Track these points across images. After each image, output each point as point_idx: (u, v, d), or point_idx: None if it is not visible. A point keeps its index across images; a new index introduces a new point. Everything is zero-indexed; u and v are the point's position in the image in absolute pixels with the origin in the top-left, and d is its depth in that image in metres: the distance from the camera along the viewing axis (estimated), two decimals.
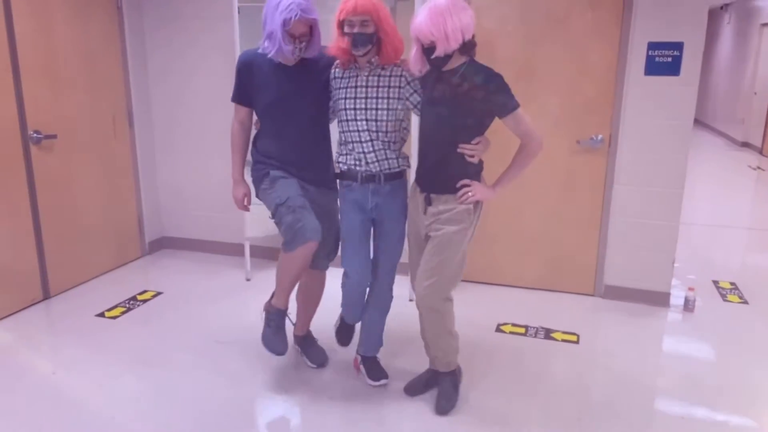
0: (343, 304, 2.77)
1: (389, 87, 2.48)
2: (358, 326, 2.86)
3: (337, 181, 2.69)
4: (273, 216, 2.55)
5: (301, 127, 2.58)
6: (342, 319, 2.88)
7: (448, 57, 2.29)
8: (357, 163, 2.56)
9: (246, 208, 2.79)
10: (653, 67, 3.41)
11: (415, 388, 2.72)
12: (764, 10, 9.99)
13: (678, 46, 3.35)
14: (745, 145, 10.61)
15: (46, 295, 3.70)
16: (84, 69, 3.86)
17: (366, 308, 2.74)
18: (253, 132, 2.76)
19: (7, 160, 3.38)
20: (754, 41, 10.40)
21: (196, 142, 4.40)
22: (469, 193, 2.38)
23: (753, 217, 6.36)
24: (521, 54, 3.61)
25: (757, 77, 10.27)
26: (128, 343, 3.17)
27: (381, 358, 2.82)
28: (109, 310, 3.57)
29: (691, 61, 3.35)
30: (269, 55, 2.47)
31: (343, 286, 2.69)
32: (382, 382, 2.77)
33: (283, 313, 2.67)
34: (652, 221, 3.61)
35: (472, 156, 2.39)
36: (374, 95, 2.48)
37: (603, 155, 3.64)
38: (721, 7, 12.32)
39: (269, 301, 2.72)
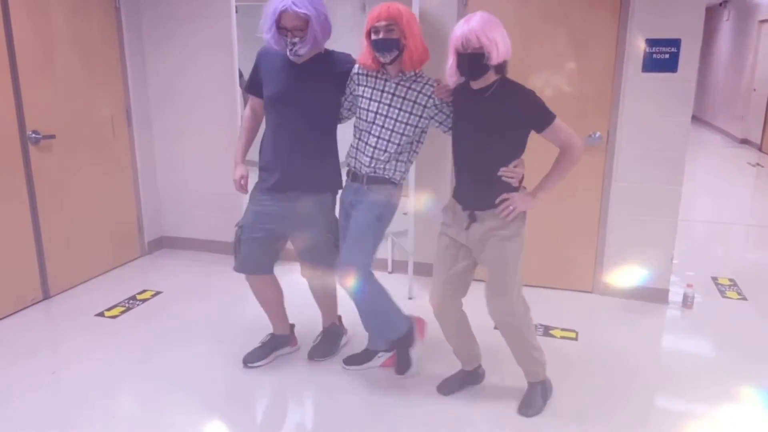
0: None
1: (414, 102, 2.46)
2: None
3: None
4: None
5: (296, 124, 2.57)
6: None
7: (484, 72, 2.27)
8: (354, 161, 2.59)
9: (243, 189, 2.79)
10: (651, 64, 3.41)
11: (451, 387, 2.73)
12: (763, 6, 9.98)
13: (675, 43, 3.35)
14: (745, 141, 10.62)
15: (46, 295, 3.70)
16: (82, 69, 3.86)
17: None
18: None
19: (5, 160, 3.38)
20: (753, 38, 10.39)
21: (194, 142, 4.40)
22: (510, 207, 2.32)
23: (752, 213, 6.36)
24: (519, 51, 3.59)
25: (756, 74, 10.27)
26: (128, 343, 3.17)
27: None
28: (109, 309, 3.57)
29: (688, 58, 3.35)
30: (266, 42, 2.52)
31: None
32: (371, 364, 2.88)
33: (276, 337, 3.01)
34: (651, 218, 3.61)
35: (513, 178, 2.34)
36: (398, 105, 2.47)
37: (601, 152, 3.64)
38: (720, 4, 12.33)
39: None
